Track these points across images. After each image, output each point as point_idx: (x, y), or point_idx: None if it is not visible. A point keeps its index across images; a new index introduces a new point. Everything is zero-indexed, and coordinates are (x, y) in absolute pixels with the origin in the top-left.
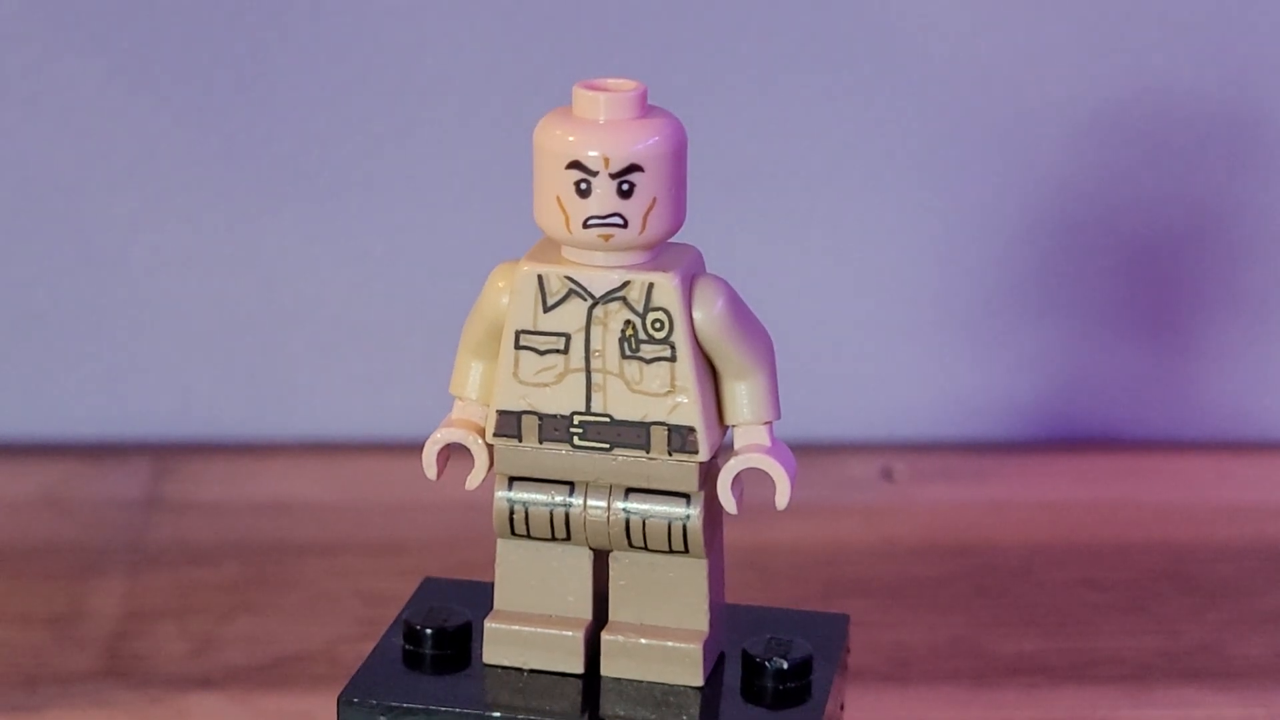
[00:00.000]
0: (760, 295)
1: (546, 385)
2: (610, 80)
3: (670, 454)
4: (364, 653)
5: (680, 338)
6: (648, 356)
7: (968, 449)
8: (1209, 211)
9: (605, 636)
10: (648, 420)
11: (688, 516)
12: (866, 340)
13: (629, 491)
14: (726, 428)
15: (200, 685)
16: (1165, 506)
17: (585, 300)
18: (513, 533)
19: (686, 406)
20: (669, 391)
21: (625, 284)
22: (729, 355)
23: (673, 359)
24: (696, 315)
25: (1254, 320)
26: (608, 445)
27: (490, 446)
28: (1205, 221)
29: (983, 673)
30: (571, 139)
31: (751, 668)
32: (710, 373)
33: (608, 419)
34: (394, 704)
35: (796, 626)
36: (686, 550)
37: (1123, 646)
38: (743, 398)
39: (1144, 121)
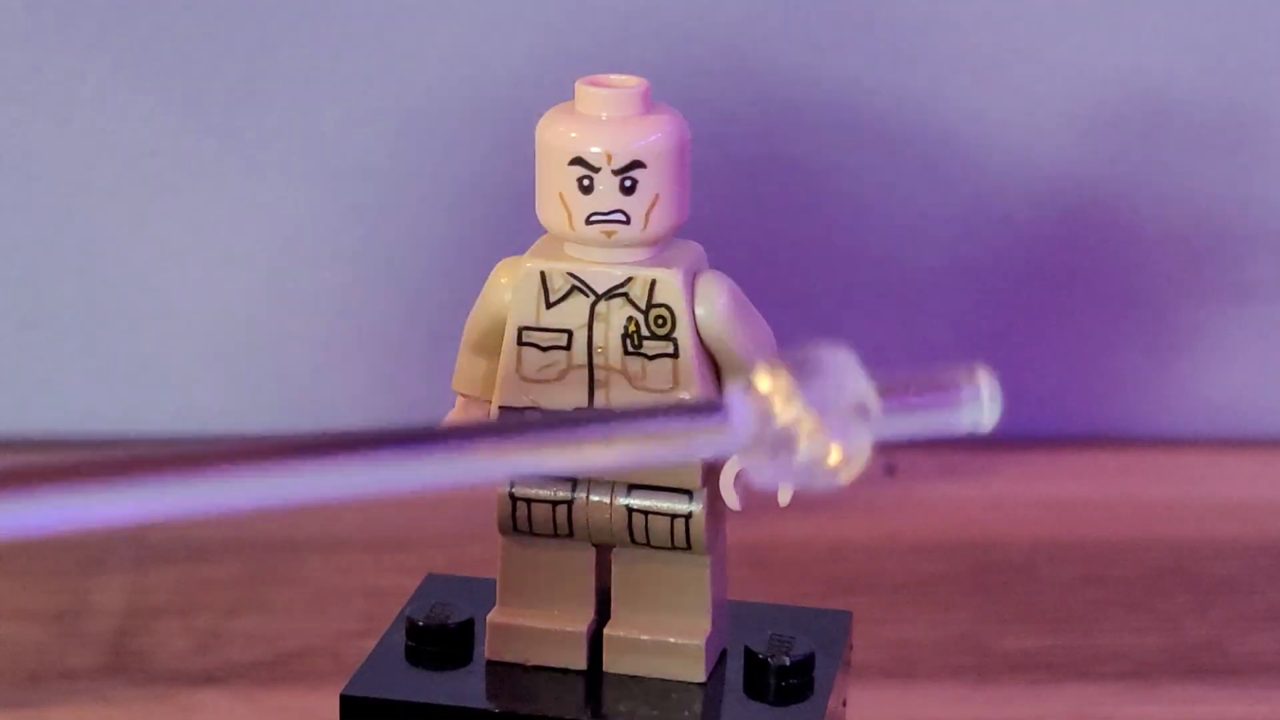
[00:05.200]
0: (762, 291)
1: (549, 382)
2: (613, 76)
3: None
4: (367, 649)
5: (683, 334)
6: (650, 353)
7: (970, 445)
8: (1209, 209)
9: (608, 633)
10: None
11: (690, 513)
12: (868, 336)
13: (631, 488)
14: None
15: (204, 682)
16: (1168, 503)
17: (588, 297)
18: (515, 529)
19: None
20: (672, 388)
21: (628, 280)
22: (731, 351)
23: (675, 355)
24: (699, 311)
25: (1255, 317)
26: None
27: None
28: (1206, 219)
29: (985, 669)
30: (574, 135)
31: (754, 664)
32: (713, 369)
33: None
34: (396, 700)
35: (799, 623)
36: (689, 547)
37: (1125, 643)
38: None
39: (1144, 119)
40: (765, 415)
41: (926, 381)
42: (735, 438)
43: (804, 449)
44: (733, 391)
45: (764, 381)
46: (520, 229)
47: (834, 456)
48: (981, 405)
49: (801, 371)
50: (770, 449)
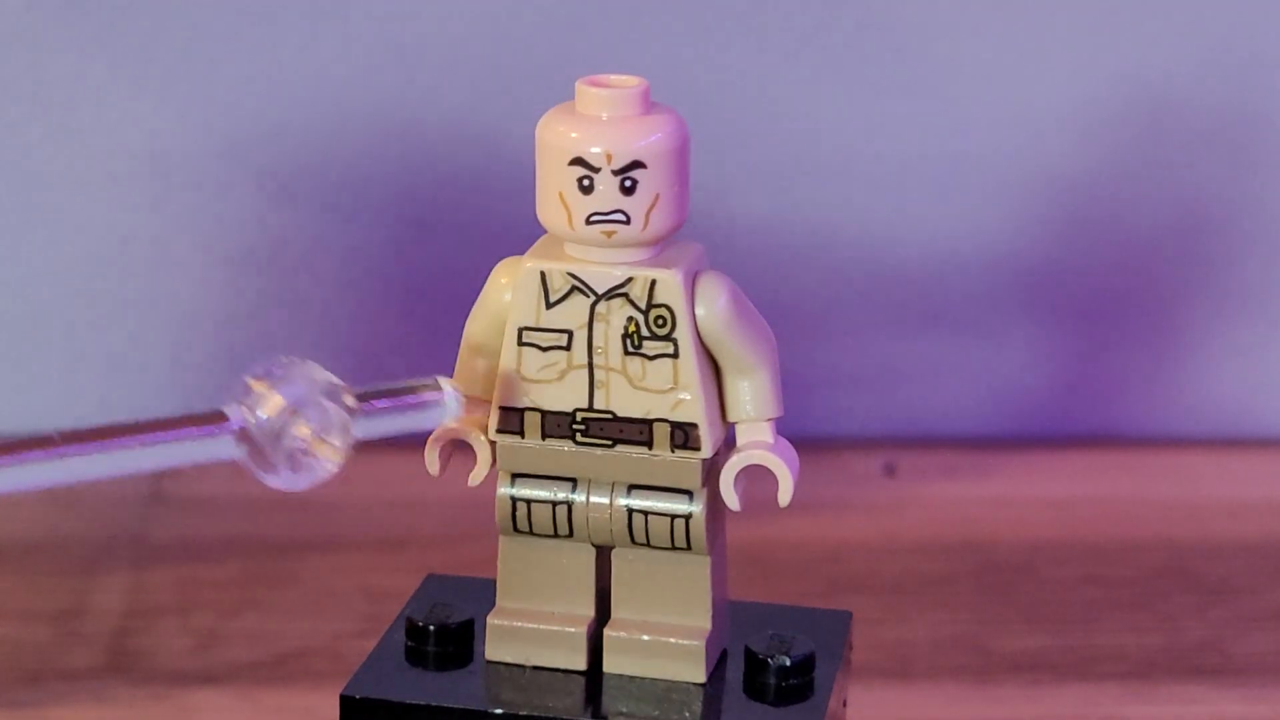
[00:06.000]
0: (761, 290)
1: (549, 382)
2: (613, 76)
3: (673, 450)
4: (367, 649)
5: (683, 334)
6: (650, 353)
7: (970, 445)
8: (1210, 208)
9: (608, 633)
10: (650, 417)
11: (690, 513)
12: (868, 336)
13: (631, 488)
14: (729, 424)
15: (203, 682)
16: (1168, 503)
17: (588, 297)
18: (515, 529)
19: (689, 403)
20: (671, 388)
21: (628, 280)
22: (731, 352)
23: (675, 355)
24: (699, 311)
25: (1256, 316)
26: (610, 442)
27: (493, 443)
28: (1207, 218)
29: (985, 669)
30: (574, 135)
31: (754, 664)
32: (713, 369)
33: (610, 416)
34: (396, 700)
35: (799, 623)
36: (689, 547)
37: (1125, 643)
38: (745, 394)
39: (1145, 119)
40: (254, 414)
41: (397, 387)
42: (231, 440)
43: (289, 437)
44: (228, 402)
45: (252, 386)
46: (520, 229)
47: (316, 443)
48: (445, 407)
49: (277, 376)
50: (264, 444)
